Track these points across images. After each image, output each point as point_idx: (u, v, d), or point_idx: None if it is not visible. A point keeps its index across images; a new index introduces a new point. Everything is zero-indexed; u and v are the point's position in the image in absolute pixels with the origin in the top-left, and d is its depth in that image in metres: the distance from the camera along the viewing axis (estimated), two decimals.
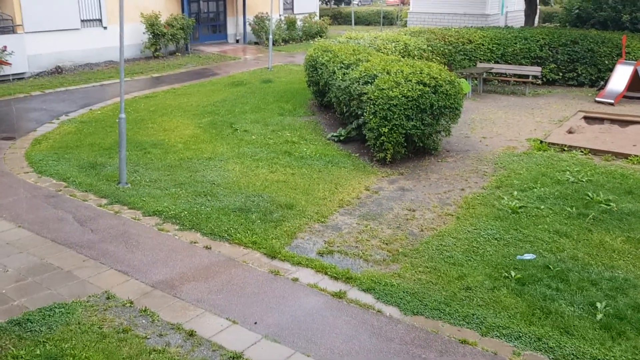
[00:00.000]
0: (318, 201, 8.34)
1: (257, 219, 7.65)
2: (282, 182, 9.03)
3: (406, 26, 30.20)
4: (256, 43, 26.31)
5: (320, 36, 27.49)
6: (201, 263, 6.56)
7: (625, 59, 16.27)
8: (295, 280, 6.20)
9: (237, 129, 12.01)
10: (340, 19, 40.36)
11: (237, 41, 26.52)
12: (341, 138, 11.36)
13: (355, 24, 37.44)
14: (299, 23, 28.52)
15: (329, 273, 6.30)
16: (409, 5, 38.42)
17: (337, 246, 6.99)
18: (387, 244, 7.07)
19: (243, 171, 9.54)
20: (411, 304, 5.72)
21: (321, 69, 13.14)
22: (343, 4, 44.20)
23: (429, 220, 7.80)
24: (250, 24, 25.97)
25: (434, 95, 9.83)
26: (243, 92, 15.81)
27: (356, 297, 5.87)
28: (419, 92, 9.68)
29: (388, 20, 40.35)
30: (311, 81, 14.15)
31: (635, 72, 15.50)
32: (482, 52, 17.91)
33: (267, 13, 24.26)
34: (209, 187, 8.77)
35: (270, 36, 20.11)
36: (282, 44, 26.69)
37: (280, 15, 27.91)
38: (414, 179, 9.46)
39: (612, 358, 4.92)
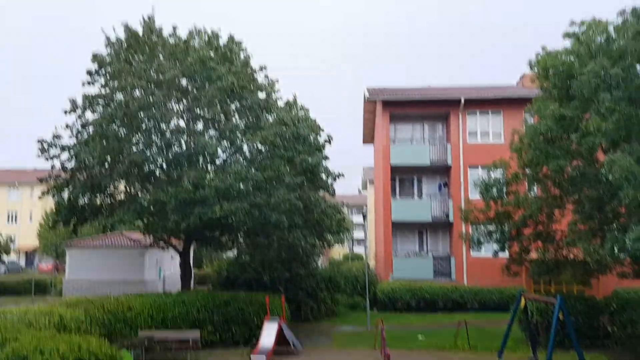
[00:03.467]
0: None
1: None
2: None
3: (62, 295, 28.65)
4: None
5: None
6: None
7: (270, 316, 18.47)
8: None
9: None
10: None
11: None
12: None
13: (2, 294, 33.75)
14: None
15: None
16: (63, 271, 36.94)
17: None
18: None
19: None
20: None
21: None
22: None
23: None
24: None
25: None
26: None
27: None
28: None
29: (41, 288, 37.56)
30: None
31: (280, 327, 17.61)
32: (143, 319, 17.94)
33: None
34: None
35: None
36: None
37: None
38: None
39: None
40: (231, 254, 31.35)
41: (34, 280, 37.02)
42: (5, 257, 48.10)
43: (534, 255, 20.60)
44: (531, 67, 19.25)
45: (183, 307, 18.80)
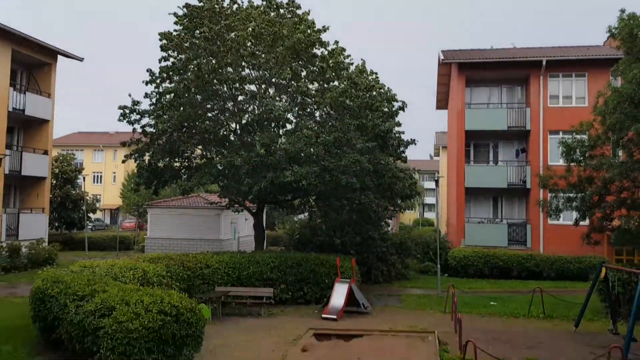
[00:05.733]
0: None
1: None
2: None
3: (144, 251, 30.29)
4: None
5: (50, 264, 25.72)
6: None
7: (341, 278, 18.78)
8: None
9: None
10: (72, 245, 38.55)
11: None
12: None
13: (90, 249, 36.16)
14: (24, 250, 26.38)
15: None
16: (145, 229, 39.01)
17: None
18: None
19: None
20: None
21: (50, 301, 12.11)
22: (75, 230, 42.59)
23: None
24: None
25: (175, 325, 9.79)
26: None
27: None
28: (160, 323, 9.56)
29: (125, 245, 39.97)
30: (38, 316, 12.80)
31: (350, 289, 17.89)
32: (219, 276, 18.79)
33: None
34: None
35: None
36: (3, 273, 24.06)
37: (1, 242, 25.56)
38: None
39: None
40: (303, 216, 31.89)
41: (118, 237, 39.40)
42: (92, 215, 51.30)
43: (616, 223, 19.64)
44: (613, 35, 18.21)
45: (257, 267, 19.45)
